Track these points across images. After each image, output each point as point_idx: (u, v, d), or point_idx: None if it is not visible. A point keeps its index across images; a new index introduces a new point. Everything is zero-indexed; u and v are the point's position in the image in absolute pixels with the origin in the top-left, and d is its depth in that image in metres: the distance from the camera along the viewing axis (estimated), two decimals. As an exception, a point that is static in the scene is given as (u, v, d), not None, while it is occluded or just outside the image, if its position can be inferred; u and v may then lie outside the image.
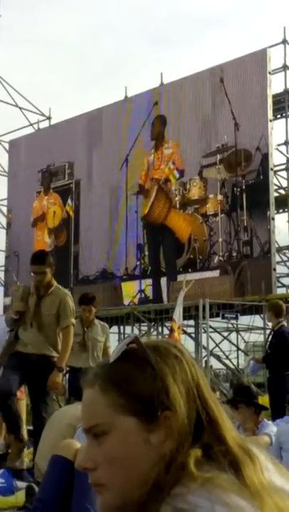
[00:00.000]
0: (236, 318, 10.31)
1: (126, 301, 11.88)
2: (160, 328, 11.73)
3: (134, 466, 0.76)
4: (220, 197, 10.78)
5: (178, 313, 7.79)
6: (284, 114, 11.87)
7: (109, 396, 0.78)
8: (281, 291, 11.63)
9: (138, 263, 11.86)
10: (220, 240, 10.70)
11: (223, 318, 10.21)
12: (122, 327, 12.35)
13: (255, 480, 0.73)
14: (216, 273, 10.65)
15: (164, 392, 0.77)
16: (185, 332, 10.28)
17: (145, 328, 11.96)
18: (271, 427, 3.52)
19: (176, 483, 0.71)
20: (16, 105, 15.73)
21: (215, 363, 10.91)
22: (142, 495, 0.74)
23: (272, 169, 10.51)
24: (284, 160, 12.01)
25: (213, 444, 0.76)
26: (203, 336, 9.71)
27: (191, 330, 11.08)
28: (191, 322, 11.00)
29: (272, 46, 11.25)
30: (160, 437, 0.76)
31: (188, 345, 10.56)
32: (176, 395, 0.77)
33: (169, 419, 0.76)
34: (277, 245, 10.93)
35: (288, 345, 5.07)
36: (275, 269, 10.29)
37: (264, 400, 4.86)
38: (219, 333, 11.26)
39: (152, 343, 0.82)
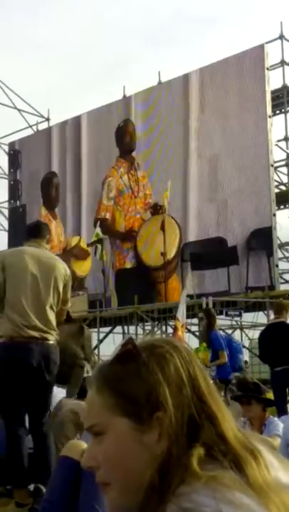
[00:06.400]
0: (240, 315, 10.30)
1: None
2: (164, 327, 11.73)
3: (129, 466, 0.77)
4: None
5: (181, 311, 7.78)
6: (283, 110, 11.85)
7: (103, 397, 0.80)
8: (284, 287, 11.62)
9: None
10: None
11: (227, 315, 10.21)
12: (125, 327, 12.36)
13: (259, 478, 0.72)
14: (220, 269, 10.66)
15: (154, 392, 0.77)
16: (189, 330, 10.27)
17: (149, 328, 11.96)
18: (279, 425, 3.53)
19: (180, 483, 0.71)
20: (15, 107, 15.74)
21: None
22: (145, 495, 0.74)
23: (272, 165, 10.50)
24: (284, 156, 12.00)
25: (214, 443, 0.75)
26: (208, 334, 9.66)
27: (195, 328, 11.07)
28: (195, 320, 10.99)
29: (269, 42, 11.23)
30: (153, 438, 0.76)
31: (193, 343, 10.56)
32: (166, 396, 0.77)
33: (161, 420, 0.76)
34: (279, 241, 10.91)
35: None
36: (277, 266, 10.27)
37: (269, 395, 4.87)
38: (223, 330, 11.24)
39: (147, 344, 0.83)
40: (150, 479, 0.74)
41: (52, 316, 3.27)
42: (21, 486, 3.09)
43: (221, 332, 10.99)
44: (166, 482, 0.73)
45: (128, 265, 12.06)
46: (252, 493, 0.70)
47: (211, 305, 9.31)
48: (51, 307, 3.26)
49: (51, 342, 3.25)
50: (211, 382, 0.83)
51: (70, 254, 12.55)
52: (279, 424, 3.57)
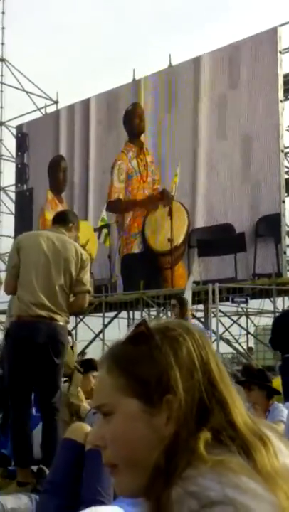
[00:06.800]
0: (246, 302, 10.27)
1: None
2: (169, 313, 11.73)
3: (136, 447, 0.77)
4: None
5: (188, 297, 7.77)
6: (294, 95, 11.67)
7: (113, 377, 0.80)
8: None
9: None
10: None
11: (233, 302, 10.19)
12: (131, 312, 12.38)
13: (267, 464, 0.72)
14: (228, 256, 10.63)
15: (165, 375, 0.77)
16: (194, 316, 10.26)
17: (154, 313, 11.97)
18: (283, 411, 3.52)
19: (186, 466, 0.71)
20: (23, 89, 15.63)
21: (225, 347, 10.92)
22: (150, 477, 0.74)
23: (282, 151, 10.37)
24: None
25: (222, 428, 0.75)
26: (213, 320, 9.69)
27: (200, 314, 11.07)
28: (201, 306, 10.99)
29: (283, 25, 11.01)
30: (162, 420, 0.76)
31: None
32: (176, 379, 0.77)
33: (170, 403, 0.76)
34: (287, 228, 10.83)
35: None
36: (285, 253, 10.21)
37: (275, 382, 4.85)
38: (229, 317, 11.25)
39: (161, 326, 0.82)
40: (156, 461, 0.74)
41: (62, 298, 3.27)
42: (24, 465, 3.10)
43: (226, 318, 11.02)
44: (173, 465, 0.72)
45: (135, 250, 12.04)
46: (259, 479, 0.69)
47: (217, 291, 9.29)
48: (62, 288, 3.27)
49: (60, 323, 3.25)
50: (224, 367, 0.83)
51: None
52: (283, 410, 3.57)
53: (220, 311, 9.93)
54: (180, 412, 0.75)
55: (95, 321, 12.42)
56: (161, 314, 11.62)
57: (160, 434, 0.76)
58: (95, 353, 10.95)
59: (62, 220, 3.53)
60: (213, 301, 9.44)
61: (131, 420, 0.78)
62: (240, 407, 0.79)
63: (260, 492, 0.67)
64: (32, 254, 3.26)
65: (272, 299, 10.18)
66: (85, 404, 3.95)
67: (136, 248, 12.02)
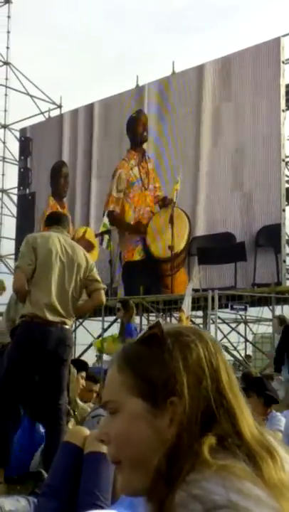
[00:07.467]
0: (245, 309, 10.29)
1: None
2: (168, 319, 11.75)
3: (138, 446, 0.78)
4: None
5: (187, 303, 7.80)
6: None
7: (123, 375, 0.81)
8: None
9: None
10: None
11: (232, 309, 10.20)
12: (130, 317, 12.37)
13: (274, 476, 0.72)
14: (227, 265, 10.64)
15: (172, 379, 0.77)
16: (193, 323, 10.28)
17: (154, 319, 11.98)
18: (281, 420, 3.53)
19: (190, 470, 0.71)
20: (27, 93, 15.71)
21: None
22: (152, 480, 0.75)
23: (283, 160, 10.42)
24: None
25: (228, 436, 0.75)
26: (212, 327, 9.71)
27: (199, 321, 11.09)
28: (200, 313, 11.00)
29: (286, 35, 11.09)
30: (164, 422, 0.77)
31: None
32: (183, 384, 0.77)
33: (174, 406, 0.77)
34: (287, 237, 10.87)
35: None
36: (285, 261, 10.24)
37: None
38: (228, 324, 11.26)
39: (175, 330, 0.83)
40: (158, 464, 0.75)
41: (72, 303, 3.33)
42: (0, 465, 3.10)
43: (225, 325, 11.03)
44: (176, 469, 0.73)
45: (136, 257, 12.06)
46: (263, 485, 0.70)
47: (216, 298, 9.31)
48: (72, 294, 3.33)
49: (67, 327, 3.31)
50: (234, 376, 0.83)
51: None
52: (281, 419, 3.58)
53: (219, 318, 9.95)
54: (184, 416, 0.76)
55: (94, 325, 12.43)
56: (160, 320, 11.63)
57: (162, 436, 0.76)
58: (93, 356, 10.98)
59: (61, 221, 3.58)
60: (212, 308, 9.46)
61: (134, 419, 0.78)
62: (248, 417, 0.79)
63: (264, 498, 0.68)
64: (49, 256, 3.27)
65: (271, 307, 10.20)
66: (85, 406, 3.98)
67: (137, 255, 12.05)
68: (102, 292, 3.48)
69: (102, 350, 6.18)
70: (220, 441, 0.74)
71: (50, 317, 3.20)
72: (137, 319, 12.20)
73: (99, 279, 3.50)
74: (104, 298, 3.49)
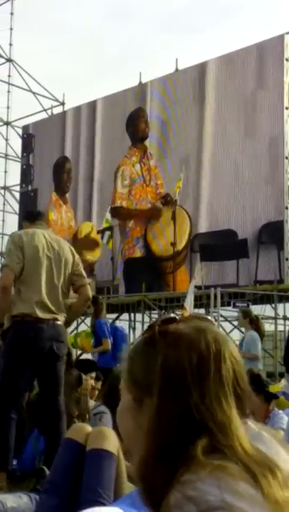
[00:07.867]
0: (247, 307, 10.27)
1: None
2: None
3: (127, 440, 0.85)
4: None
5: (189, 301, 7.78)
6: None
7: (125, 369, 0.86)
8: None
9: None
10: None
11: (234, 307, 10.19)
12: (132, 314, 12.38)
13: (275, 493, 0.70)
14: (230, 262, 10.63)
15: (156, 382, 0.78)
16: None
17: (156, 316, 11.98)
18: (283, 418, 3.52)
19: (185, 471, 0.71)
20: (30, 90, 15.70)
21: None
22: (151, 474, 0.76)
23: (287, 157, 10.39)
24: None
25: (221, 446, 0.74)
26: (214, 325, 9.68)
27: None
28: (202, 311, 10.99)
29: (289, 33, 11.03)
30: (144, 420, 0.79)
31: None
32: (165, 388, 0.77)
33: (153, 407, 0.78)
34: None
35: None
36: (287, 259, 10.22)
37: (275, 388, 4.86)
38: (230, 322, 11.25)
39: (177, 332, 0.81)
40: (144, 461, 0.77)
41: (62, 298, 3.33)
42: (1, 468, 3.08)
43: (227, 323, 11.02)
44: (167, 469, 0.72)
45: (138, 254, 12.06)
46: (256, 485, 0.69)
47: (218, 296, 9.30)
48: (62, 289, 3.33)
49: (59, 323, 3.30)
50: (229, 389, 0.79)
51: (80, 243, 12.54)
52: (283, 417, 3.56)
53: (221, 315, 9.94)
54: (160, 417, 0.76)
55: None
56: (167, 315, 11.63)
57: (144, 432, 0.79)
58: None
59: (41, 217, 3.62)
60: (215, 306, 9.45)
61: (124, 412, 0.84)
62: (237, 429, 0.76)
63: (258, 499, 0.67)
64: (36, 253, 3.27)
65: (273, 304, 10.18)
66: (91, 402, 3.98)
67: (138, 253, 12.05)
68: (89, 287, 3.50)
69: (75, 344, 6.24)
70: (213, 447, 0.73)
71: (40, 314, 3.20)
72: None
73: (84, 273, 3.50)
74: (90, 293, 3.51)
